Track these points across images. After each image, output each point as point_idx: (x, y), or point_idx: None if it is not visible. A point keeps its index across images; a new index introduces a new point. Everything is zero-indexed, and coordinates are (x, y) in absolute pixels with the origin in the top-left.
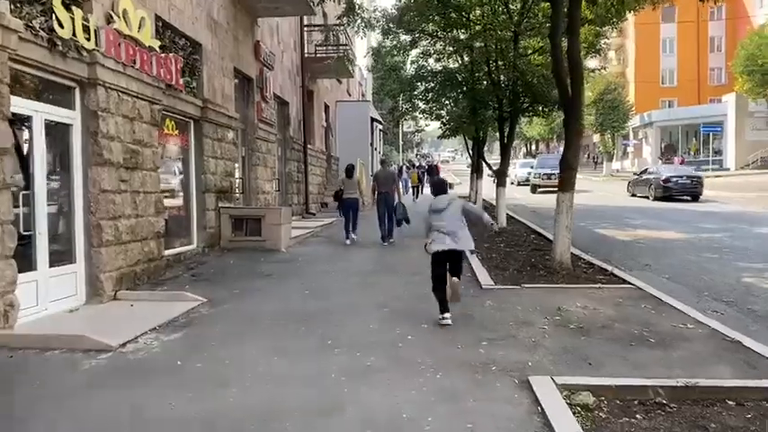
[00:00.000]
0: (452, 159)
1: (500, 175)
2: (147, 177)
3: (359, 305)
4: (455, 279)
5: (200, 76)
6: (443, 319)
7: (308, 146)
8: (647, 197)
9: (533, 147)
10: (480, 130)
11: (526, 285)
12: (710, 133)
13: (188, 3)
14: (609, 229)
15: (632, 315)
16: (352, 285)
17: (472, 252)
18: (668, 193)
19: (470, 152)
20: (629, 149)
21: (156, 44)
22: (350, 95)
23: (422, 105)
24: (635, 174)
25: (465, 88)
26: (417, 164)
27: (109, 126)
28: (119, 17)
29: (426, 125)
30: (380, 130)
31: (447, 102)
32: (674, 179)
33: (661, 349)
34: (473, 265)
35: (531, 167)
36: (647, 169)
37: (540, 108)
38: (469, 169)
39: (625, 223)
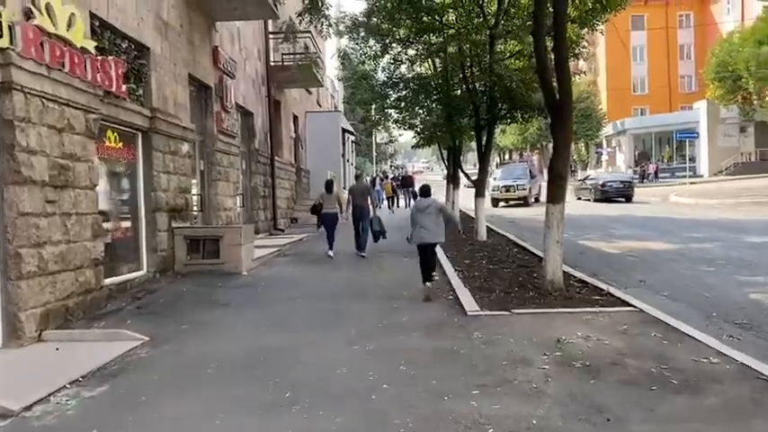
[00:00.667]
0: (426, 170)
1: (478, 185)
2: (80, 197)
3: (326, 342)
4: (428, 284)
5: (149, 83)
6: (425, 284)
7: (276, 158)
8: (589, 199)
9: (507, 156)
10: (456, 138)
11: (516, 311)
12: (686, 140)
13: (130, 0)
14: (593, 240)
15: (643, 347)
16: (319, 315)
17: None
18: (605, 195)
19: (446, 162)
20: (604, 158)
21: (92, 45)
22: (320, 106)
23: (394, 115)
24: (579, 180)
25: (439, 95)
26: (391, 175)
27: (30, 138)
28: (41, 12)
29: (400, 135)
30: (353, 141)
31: (421, 110)
32: (610, 183)
33: (689, 394)
34: (454, 286)
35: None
36: (588, 176)
37: (520, 114)
38: (445, 180)
39: (609, 234)
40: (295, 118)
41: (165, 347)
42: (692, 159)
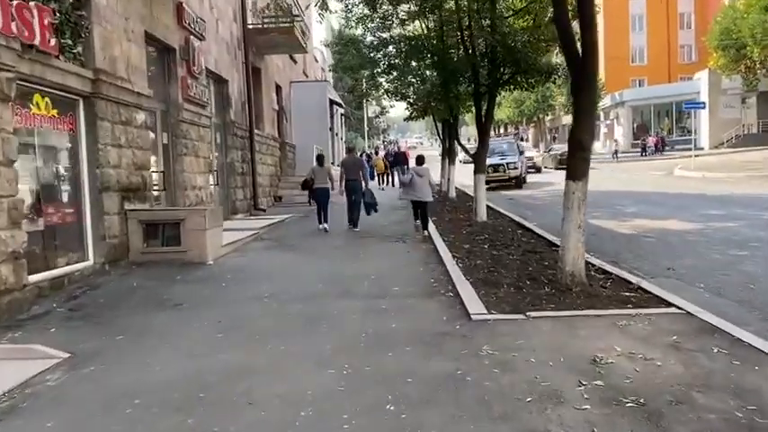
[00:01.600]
0: (420, 145)
1: (478, 161)
2: None
3: (292, 362)
4: (425, 232)
5: (90, 40)
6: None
7: (256, 131)
8: (552, 168)
9: (501, 130)
10: (453, 108)
11: (533, 314)
12: (685, 112)
13: None
14: (602, 219)
15: (710, 372)
16: (288, 322)
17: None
18: (563, 164)
19: (440, 136)
20: (603, 130)
21: None
22: (307, 77)
23: (385, 84)
24: (544, 151)
25: (434, 58)
26: (383, 151)
27: None
28: None
29: (391, 106)
30: (342, 114)
31: (414, 79)
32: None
33: None
34: (454, 278)
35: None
36: (551, 148)
37: (525, 79)
38: (440, 155)
39: (618, 211)
40: (278, 88)
41: (84, 370)
42: (691, 132)
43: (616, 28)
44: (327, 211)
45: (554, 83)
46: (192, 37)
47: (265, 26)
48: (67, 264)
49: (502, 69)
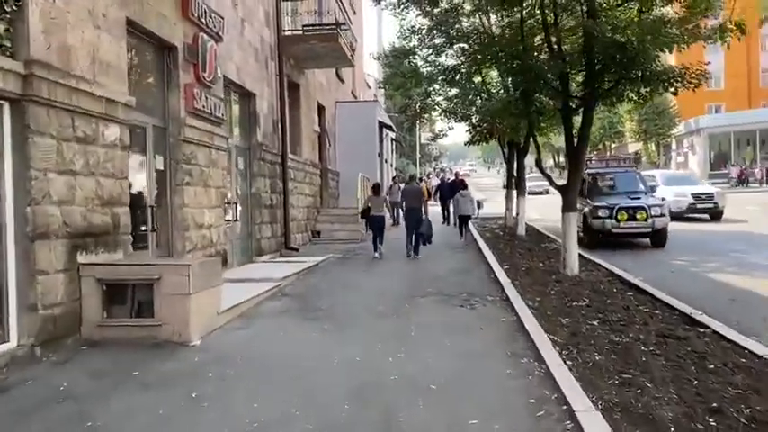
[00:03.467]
0: (473, 173)
1: (568, 195)
2: None
3: None
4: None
5: (23, 18)
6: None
7: (291, 156)
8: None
9: (560, 159)
10: (534, 125)
11: None
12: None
13: None
14: (725, 271)
15: None
16: None
17: None
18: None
19: (506, 161)
20: (678, 159)
21: None
22: (355, 98)
23: (443, 103)
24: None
25: (514, 63)
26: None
27: None
28: None
29: (450, 128)
30: (393, 139)
31: (478, 97)
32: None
33: None
34: (569, 399)
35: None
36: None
37: (635, 88)
38: (504, 185)
39: (740, 261)
40: (321, 109)
41: None
42: None
43: (691, 49)
44: (382, 239)
45: (674, 93)
46: (202, 34)
47: (305, 33)
48: None
49: (602, 76)
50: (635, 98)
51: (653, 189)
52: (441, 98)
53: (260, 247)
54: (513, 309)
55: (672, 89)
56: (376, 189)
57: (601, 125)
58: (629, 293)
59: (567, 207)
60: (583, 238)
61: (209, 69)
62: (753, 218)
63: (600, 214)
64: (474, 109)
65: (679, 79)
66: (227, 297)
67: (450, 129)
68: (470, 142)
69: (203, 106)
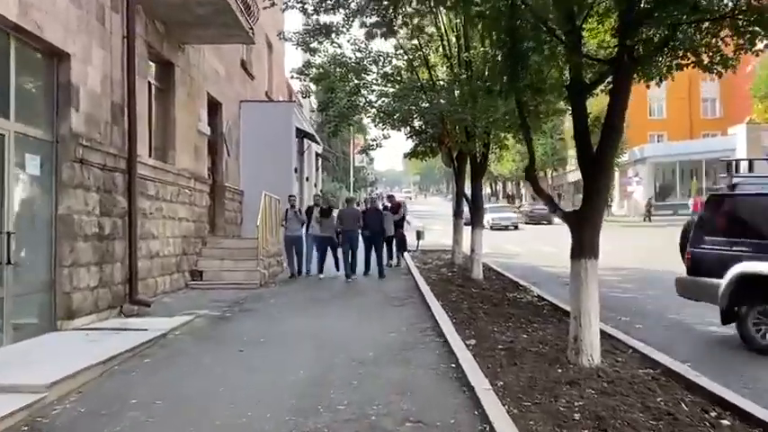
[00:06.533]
0: (409, 200)
1: (584, 229)
2: None
3: None
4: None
5: None
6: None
7: (148, 162)
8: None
9: (499, 187)
10: (525, 112)
11: None
12: (714, 171)
13: None
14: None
15: None
16: None
17: None
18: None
19: (457, 183)
20: (630, 188)
21: None
22: (270, 99)
23: (377, 102)
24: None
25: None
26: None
27: None
28: None
29: (384, 137)
30: (320, 155)
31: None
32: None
33: None
34: None
35: None
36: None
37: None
38: (454, 213)
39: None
40: (215, 105)
41: None
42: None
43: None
44: (324, 259)
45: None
46: None
47: None
48: None
49: (651, 19)
50: (693, 61)
51: None
52: (374, 96)
53: (70, 305)
54: None
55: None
56: (325, 212)
57: (543, 151)
58: (687, 396)
59: (585, 250)
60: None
61: None
62: None
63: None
64: (419, 108)
65: None
66: None
67: (385, 138)
68: (412, 154)
69: None
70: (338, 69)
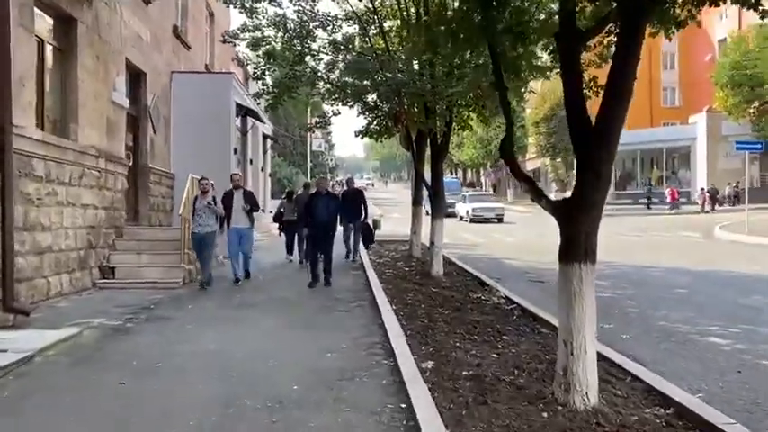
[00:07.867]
0: (371, 187)
1: (578, 223)
2: None
3: None
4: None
5: None
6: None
7: (34, 135)
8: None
9: (459, 174)
10: (503, 62)
11: None
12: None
13: None
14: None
15: None
16: None
17: None
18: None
19: (416, 167)
20: None
21: None
22: (209, 70)
23: (326, 76)
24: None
25: None
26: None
27: None
28: None
29: (335, 113)
30: (267, 136)
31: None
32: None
33: None
34: None
35: None
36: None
37: None
38: (413, 201)
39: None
40: (138, 75)
41: None
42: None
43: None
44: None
45: None
46: None
47: None
48: None
49: None
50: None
51: None
52: (322, 65)
53: None
54: None
55: None
56: (289, 195)
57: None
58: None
59: (579, 251)
60: None
61: None
62: (698, 247)
63: None
64: (372, 81)
65: None
66: None
67: (334, 114)
68: (364, 133)
69: None
70: (279, 34)
